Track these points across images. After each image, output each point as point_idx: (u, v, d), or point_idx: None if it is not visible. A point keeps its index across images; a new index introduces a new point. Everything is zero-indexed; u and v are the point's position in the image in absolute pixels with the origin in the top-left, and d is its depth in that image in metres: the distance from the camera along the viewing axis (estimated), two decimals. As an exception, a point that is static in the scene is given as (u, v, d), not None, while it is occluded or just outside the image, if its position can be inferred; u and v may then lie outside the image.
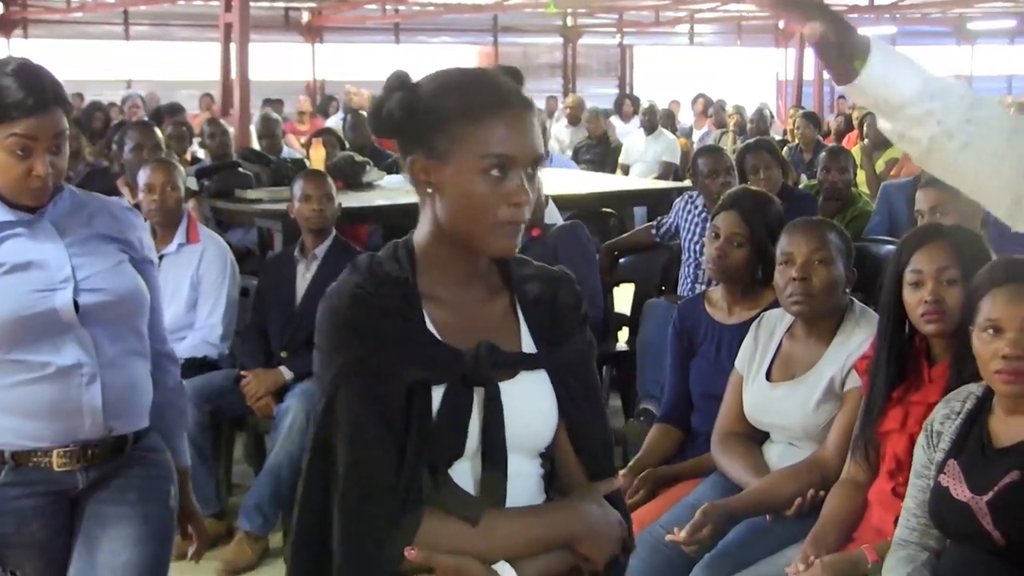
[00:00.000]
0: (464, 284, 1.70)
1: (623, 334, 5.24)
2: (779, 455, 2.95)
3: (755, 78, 19.86)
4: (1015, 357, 2.14)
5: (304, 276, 4.36)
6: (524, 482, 1.69)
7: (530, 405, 1.67)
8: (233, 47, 9.38)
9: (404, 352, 1.62)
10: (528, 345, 1.71)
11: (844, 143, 9.57)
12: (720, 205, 3.52)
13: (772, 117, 12.73)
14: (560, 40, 20.27)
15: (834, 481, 2.74)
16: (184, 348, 4.05)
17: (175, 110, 9.75)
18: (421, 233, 1.67)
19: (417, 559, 1.55)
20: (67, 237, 2.41)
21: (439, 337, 1.64)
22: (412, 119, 1.61)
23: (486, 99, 1.60)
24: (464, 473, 1.61)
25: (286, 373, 4.17)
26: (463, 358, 1.63)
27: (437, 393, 1.61)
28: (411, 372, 1.61)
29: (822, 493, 2.74)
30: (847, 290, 2.98)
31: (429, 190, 1.63)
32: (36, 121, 2.26)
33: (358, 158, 6.80)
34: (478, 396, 1.62)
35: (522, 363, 1.68)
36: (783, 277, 2.89)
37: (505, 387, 1.63)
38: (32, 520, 2.40)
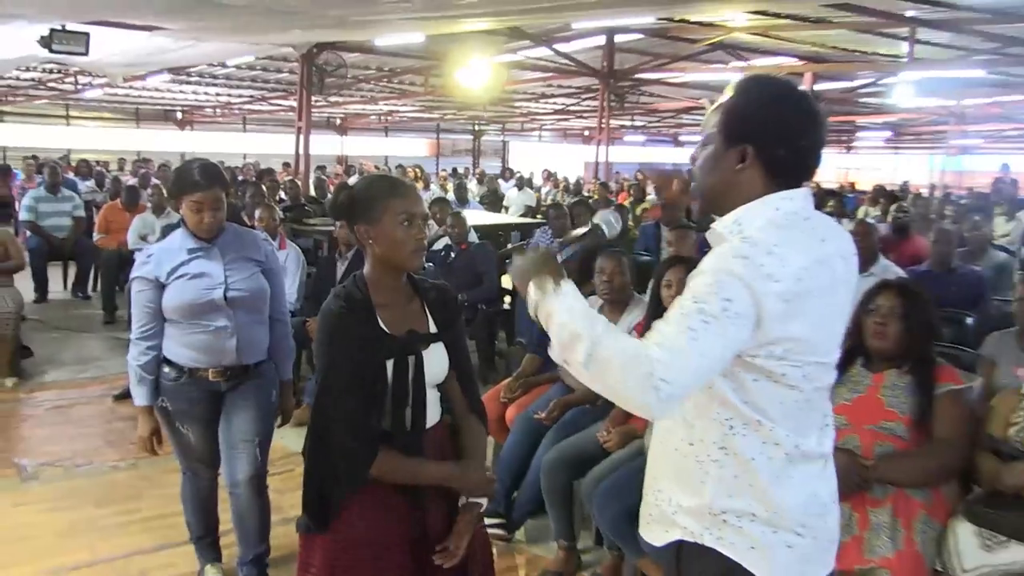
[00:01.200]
0: (395, 294, 2.34)
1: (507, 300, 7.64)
2: None
3: (572, 161, 29.47)
4: None
5: (340, 267, 6.26)
6: (433, 401, 2.40)
7: (436, 362, 2.38)
8: (301, 138, 13.96)
9: (368, 341, 2.24)
10: (432, 328, 2.40)
11: (619, 199, 14.40)
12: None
13: (582, 183, 18.75)
14: (471, 136, 31.65)
15: None
16: None
17: (269, 172, 15.42)
18: (368, 269, 2.34)
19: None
20: (225, 257, 3.40)
21: (387, 330, 2.29)
22: (353, 204, 2.32)
23: (392, 185, 2.33)
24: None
25: None
26: (401, 341, 2.29)
27: (389, 364, 2.26)
28: (372, 352, 2.23)
29: None
30: (632, 287, 4.41)
31: (370, 242, 2.31)
32: (204, 194, 3.32)
33: None
34: (412, 361, 2.30)
35: (431, 339, 2.36)
36: (599, 280, 4.28)
37: (425, 354, 2.33)
38: (197, 403, 3.48)
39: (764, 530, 1.79)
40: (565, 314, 1.72)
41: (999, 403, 3.24)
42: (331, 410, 2.27)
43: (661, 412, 1.63)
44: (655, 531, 1.97)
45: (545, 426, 4.18)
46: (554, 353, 1.74)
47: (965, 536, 2.99)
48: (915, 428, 3.11)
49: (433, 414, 2.41)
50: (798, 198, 1.77)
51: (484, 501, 2.48)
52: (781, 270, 1.64)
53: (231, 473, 3.53)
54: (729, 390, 1.75)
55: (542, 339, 4.58)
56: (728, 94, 1.84)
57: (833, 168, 29.43)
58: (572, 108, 23.69)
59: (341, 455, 2.26)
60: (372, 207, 2.29)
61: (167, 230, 7.53)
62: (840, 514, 2.90)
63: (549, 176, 21.55)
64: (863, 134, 29.68)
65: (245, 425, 3.51)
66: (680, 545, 1.89)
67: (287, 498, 4.87)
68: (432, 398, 2.40)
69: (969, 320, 5.17)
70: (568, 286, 1.78)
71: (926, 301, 3.28)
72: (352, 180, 13.36)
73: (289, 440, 5.71)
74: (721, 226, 1.80)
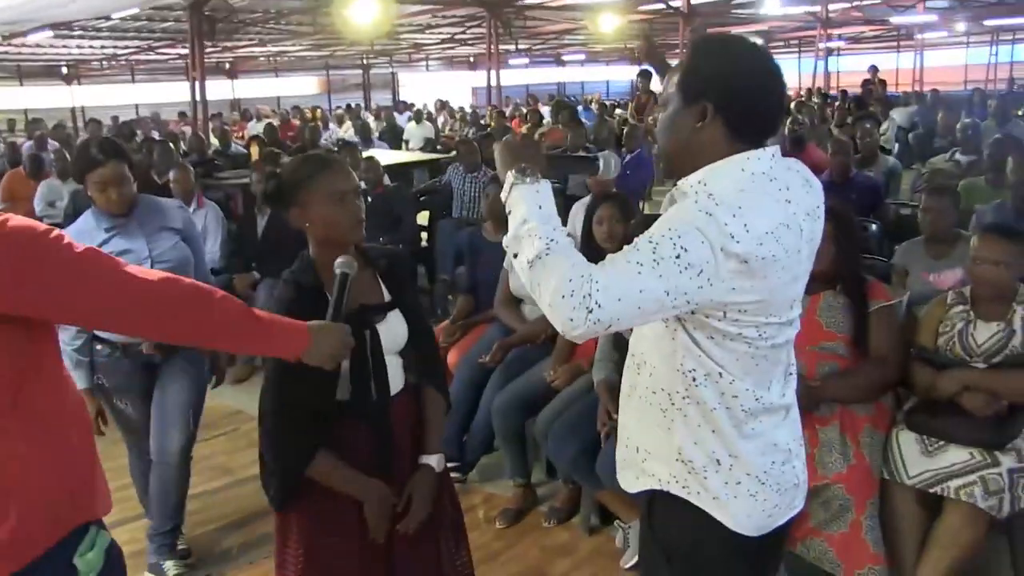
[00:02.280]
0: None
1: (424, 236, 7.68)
2: (529, 312, 4.25)
3: (460, 87, 30.45)
4: None
5: (260, 221, 6.15)
6: (395, 368, 2.32)
7: (394, 330, 2.30)
8: (196, 88, 13.33)
9: (316, 316, 2.01)
10: (387, 296, 2.33)
11: (514, 125, 14.31)
12: (488, 180, 5.31)
13: (479, 113, 18.32)
14: (360, 71, 30.38)
15: None
16: None
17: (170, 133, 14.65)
18: (312, 250, 2.26)
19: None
20: (145, 230, 3.29)
21: None
22: (282, 190, 2.23)
23: (318, 164, 2.23)
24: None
25: (256, 275, 5.99)
26: (354, 317, 2.13)
27: None
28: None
29: (554, 331, 4.04)
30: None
31: (307, 225, 2.22)
32: (104, 170, 3.13)
33: (275, 151, 9.29)
34: (368, 334, 2.22)
35: (385, 308, 2.29)
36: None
37: (381, 324, 2.24)
38: (133, 375, 3.41)
39: (728, 478, 1.77)
40: (532, 208, 1.66)
41: (927, 314, 3.29)
42: (268, 400, 2.24)
43: (582, 333, 1.56)
44: (627, 477, 1.95)
45: (489, 368, 4.12)
46: (506, 241, 1.70)
47: (907, 444, 3.05)
48: (853, 346, 3.14)
49: (397, 381, 2.34)
50: (764, 158, 1.69)
51: (435, 461, 2.39)
52: (743, 232, 1.57)
53: (162, 443, 3.44)
54: (691, 342, 1.72)
55: (472, 279, 4.61)
56: (686, 52, 1.77)
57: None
58: (459, 36, 23.23)
59: (275, 450, 2.26)
60: (301, 190, 2.20)
61: (76, 195, 7.16)
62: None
63: (443, 106, 21.22)
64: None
65: (178, 395, 3.45)
66: (652, 495, 1.88)
67: (236, 459, 4.74)
68: (395, 365, 2.33)
69: (874, 227, 5.25)
70: (544, 185, 1.71)
71: (852, 221, 3.28)
72: (251, 126, 13.02)
73: (228, 398, 5.55)
74: (686, 185, 1.73)
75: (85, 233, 3.16)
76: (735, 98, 1.68)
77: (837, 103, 13.68)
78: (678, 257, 1.55)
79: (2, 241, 1.48)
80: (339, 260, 2.08)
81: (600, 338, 3.56)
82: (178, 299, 1.66)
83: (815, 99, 16.19)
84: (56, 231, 1.56)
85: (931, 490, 2.95)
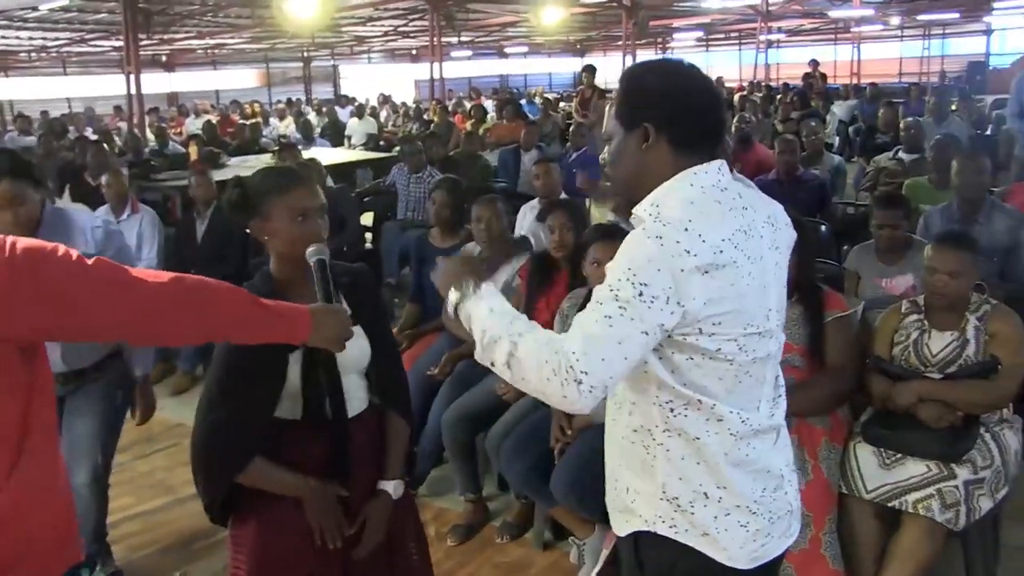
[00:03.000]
0: (303, 286, 2.13)
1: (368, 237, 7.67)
2: None
3: (403, 80, 30.35)
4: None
5: (200, 226, 6.02)
6: (356, 388, 2.24)
7: (352, 348, 2.07)
8: (131, 82, 13.10)
9: None
10: (348, 312, 2.09)
11: (457, 121, 14.18)
12: (435, 184, 5.06)
13: (422, 108, 17.64)
14: (301, 64, 29.95)
15: None
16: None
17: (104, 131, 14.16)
18: (272, 262, 2.21)
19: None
20: None
21: None
22: (246, 200, 2.16)
23: (283, 179, 2.16)
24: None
25: None
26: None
27: (294, 357, 2.10)
28: (272, 349, 1.96)
29: None
30: (510, 232, 4.34)
31: (266, 238, 2.16)
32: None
33: (215, 151, 9.61)
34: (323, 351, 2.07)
35: None
36: (476, 228, 4.15)
37: None
38: None
39: (717, 511, 1.72)
40: (485, 316, 1.68)
41: (882, 323, 3.25)
42: (205, 409, 2.17)
43: (585, 405, 1.57)
44: (618, 521, 1.90)
45: (438, 380, 4.01)
46: (477, 354, 1.70)
47: (864, 457, 3.01)
48: (809, 357, 3.09)
49: (358, 402, 2.27)
50: (712, 171, 1.68)
51: (391, 488, 2.31)
52: (698, 244, 1.56)
53: (73, 475, 3.20)
54: (665, 372, 1.67)
55: (419, 286, 4.46)
56: (618, 85, 1.77)
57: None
58: (402, 29, 23.00)
59: (204, 460, 2.19)
60: (264, 203, 2.14)
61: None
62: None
63: (386, 100, 21.01)
64: (678, 35, 30.08)
65: (84, 436, 3.22)
66: (636, 536, 1.82)
67: (177, 475, 4.56)
68: (356, 384, 2.26)
69: (823, 228, 5.23)
70: (487, 288, 1.75)
71: (811, 230, 3.24)
72: (189, 122, 12.87)
73: (170, 411, 5.35)
74: (640, 210, 1.69)
75: None
76: (674, 113, 1.68)
77: (779, 96, 13.73)
78: (640, 295, 1.54)
79: (14, 264, 1.44)
80: (309, 250, 2.06)
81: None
82: (191, 298, 1.63)
83: (757, 93, 16.27)
84: (63, 248, 1.51)
85: (889, 504, 2.92)
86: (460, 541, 3.74)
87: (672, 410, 1.68)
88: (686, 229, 1.56)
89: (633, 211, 1.72)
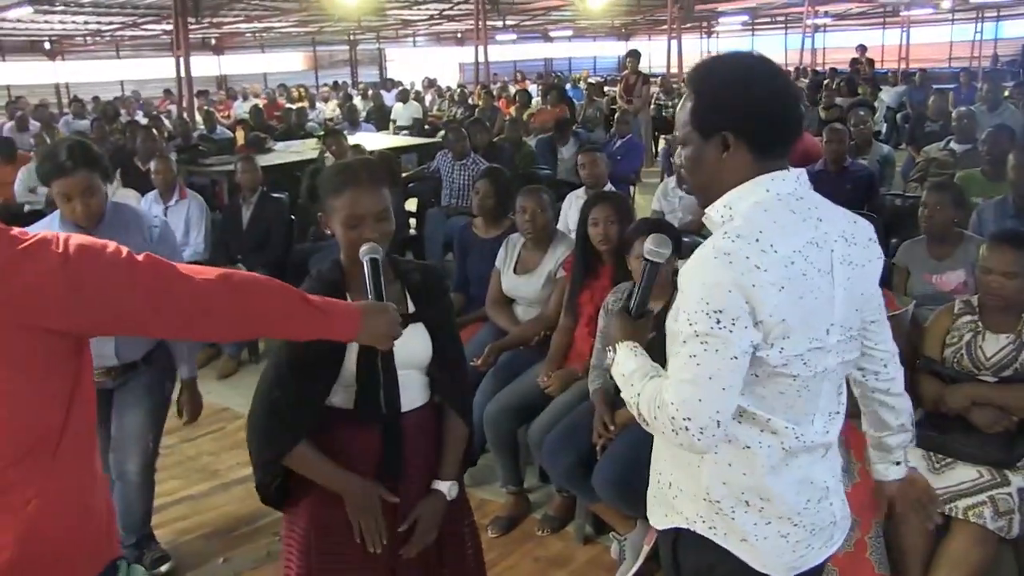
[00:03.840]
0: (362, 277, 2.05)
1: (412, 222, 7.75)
2: (522, 312, 4.16)
3: (448, 63, 30.23)
4: None
5: (245, 213, 6.03)
6: (415, 384, 2.22)
7: (413, 343, 2.15)
8: (181, 66, 13.51)
9: None
10: (411, 308, 2.21)
11: (501, 106, 14.28)
12: (480, 174, 4.99)
13: (467, 92, 17.30)
14: (347, 47, 29.63)
15: (554, 327, 3.85)
16: (185, 256, 5.54)
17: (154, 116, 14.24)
18: (342, 253, 2.19)
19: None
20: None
21: None
22: (314, 194, 2.20)
23: (341, 181, 2.13)
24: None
25: (241, 267, 5.75)
26: None
27: (352, 345, 2.08)
28: None
29: (548, 334, 3.89)
30: (554, 224, 4.24)
31: (329, 232, 2.20)
32: (71, 180, 2.89)
33: (261, 135, 9.70)
34: None
35: (405, 319, 2.06)
36: (521, 219, 4.07)
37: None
38: None
39: (757, 519, 1.70)
40: (621, 378, 1.76)
41: (933, 324, 3.16)
42: (261, 391, 2.18)
43: (707, 445, 1.58)
44: (656, 513, 1.89)
45: (481, 371, 3.96)
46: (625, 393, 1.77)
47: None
48: None
49: (414, 397, 2.24)
50: (789, 179, 1.63)
51: (446, 488, 2.28)
52: (769, 257, 1.53)
53: (122, 466, 3.29)
54: None
55: (462, 275, 4.48)
56: (689, 88, 1.70)
57: (697, 53, 29.52)
58: (447, 12, 22.92)
59: (256, 439, 2.21)
60: (325, 200, 2.17)
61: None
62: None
63: (431, 84, 20.94)
64: (724, 19, 29.64)
65: (135, 426, 3.29)
66: (677, 533, 1.81)
67: (222, 460, 4.59)
68: (413, 381, 2.23)
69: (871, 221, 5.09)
70: (624, 349, 1.81)
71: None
72: (236, 105, 13.01)
73: (216, 395, 5.39)
74: (713, 212, 1.67)
75: None
76: (751, 119, 1.61)
77: (826, 82, 13.46)
78: (719, 323, 1.53)
79: (68, 262, 1.44)
80: (363, 248, 2.06)
81: (597, 343, 3.45)
82: (239, 296, 1.63)
83: (803, 79, 15.98)
84: (114, 245, 1.52)
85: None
86: (501, 533, 3.72)
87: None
88: (757, 240, 1.54)
89: (705, 211, 1.70)
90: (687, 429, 1.54)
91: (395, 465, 2.20)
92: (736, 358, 1.54)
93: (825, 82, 13.50)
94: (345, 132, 9.23)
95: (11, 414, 1.46)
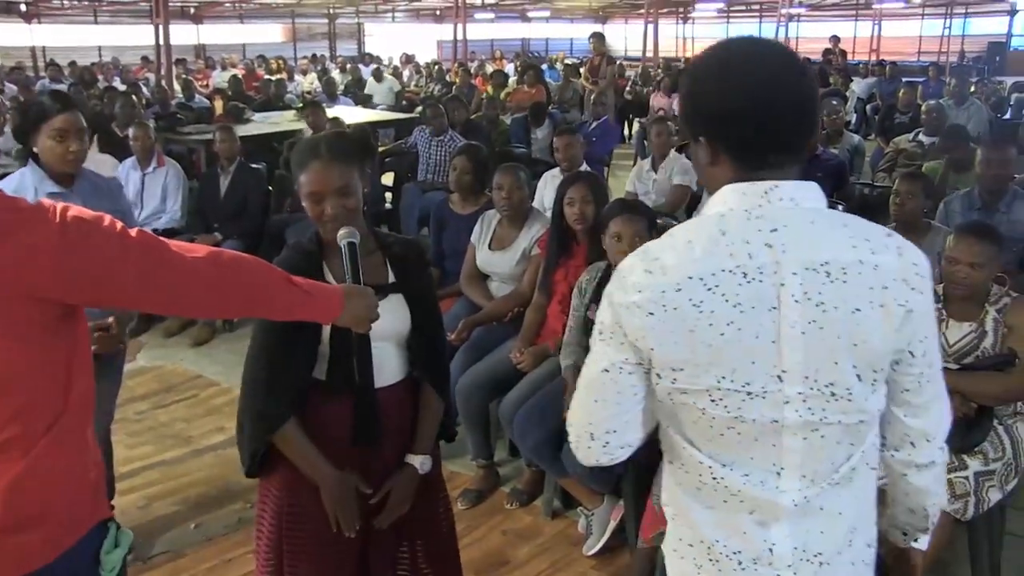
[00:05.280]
0: (339, 253, 2.08)
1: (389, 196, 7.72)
2: (496, 288, 4.17)
3: (426, 40, 29.69)
4: (628, 253, 3.16)
5: (223, 181, 5.96)
6: (391, 358, 2.22)
7: (390, 315, 2.13)
8: (160, 34, 13.30)
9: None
10: (391, 279, 2.21)
11: (478, 83, 14.20)
12: (457, 151, 4.94)
13: (445, 70, 17.33)
14: (326, 20, 29.18)
15: (528, 304, 3.87)
16: (161, 223, 5.67)
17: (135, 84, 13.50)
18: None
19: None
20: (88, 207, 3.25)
21: (333, 281, 2.13)
22: (290, 169, 2.29)
23: (304, 157, 2.13)
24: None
25: (218, 236, 5.75)
26: None
27: None
28: None
29: (522, 310, 3.90)
30: (529, 201, 4.24)
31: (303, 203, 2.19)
32: (66, 117, 2.91)
33: (240, 105, 9.58)
34: None
35: (385, 289, 2.14)
36: (497, 196, 4.05)
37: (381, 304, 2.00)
38: None
39: (683, 538, 1.51)
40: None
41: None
42: (249, 368, 2.18)
43: (583, 458, 1.48)
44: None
45: (454, 345, 3.94)
46: None
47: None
48: None
49: (390, 371, 2.22)
50: (752, 193, 1.34)
51: (419, 463, 2.28)
52: (650, 278, 1.34)
53: None
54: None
55: (438, 250, 4.49)
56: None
57: (674, 38, 29.50)
58: (427, -11, 22.76)
59: (248, 415, 2.20)
60: (295, 173, 2.18)
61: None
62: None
63: (409, 60, 20.77)
64: (700, 6, 29.59)
65: (98, 394, 3.22)
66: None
67: (195, 426, 4.56)
68: (389, 355, 2.22)
69: (840, 208, 5.13)
70: None
71: None
72: (215, 75, 12.94)
73: (190, 362, 5.38)
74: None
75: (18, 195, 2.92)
76: (721, 122, 1.37)
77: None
78: (600, 332, 1.42)
79: (66, 232, 1.43)
80: (340, 233, 2.05)
81: (569, 321, 3.44)
82: (226, 276, 1.63)
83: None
84: (109, 218, 1.51)
85: (897, 491, 2.85)
86: (470, 505, 3.73)
87: (663, 429, 1.49)
88: (656, 258, 1.35)
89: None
90: (576, 446, 1.48)
91: (368, 433, 2.19)
92: (607, 371, 1.40)
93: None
94: (324, 105, 9.15)
95: (8, 378, 1.46)
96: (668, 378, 1.37)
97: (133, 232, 1.52)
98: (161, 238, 1.58)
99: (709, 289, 1.31)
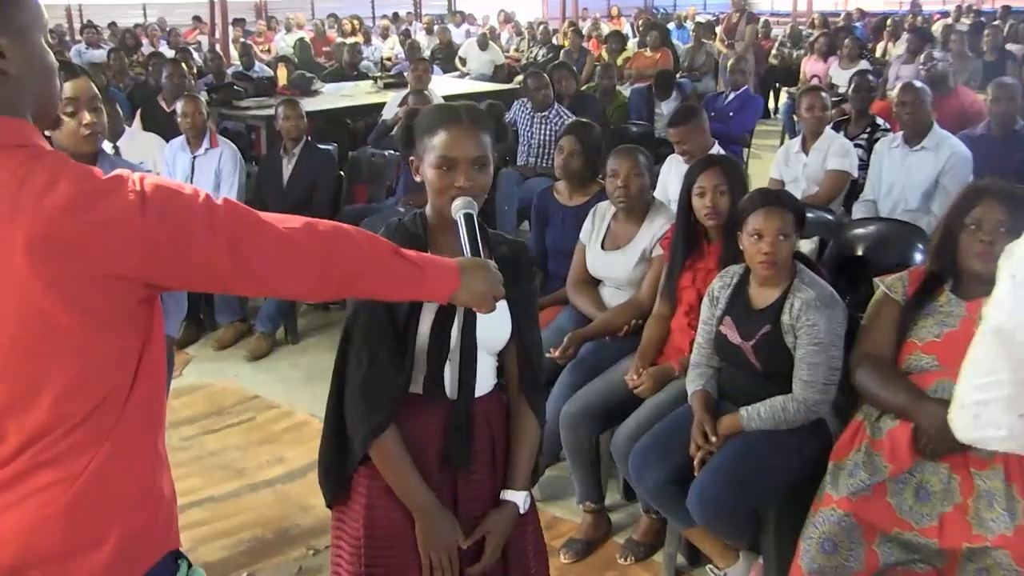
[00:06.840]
0: (455, 239, 2.15)
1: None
2: (610, 296, 4.15)
3: None
4: (770, 254, 3.08)
5: (286, 166, 6.11)
6: (485, 367, 2.31)
7: (494, 323, 2.25)
8: None
9: None
10: None
11: (592, 47, 14.23)
12: (564, 130, 4.98)
13: (550, 31, 17.00)
14: None
15: (648, 315, 3.87)
16: None
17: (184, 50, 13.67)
18: (429, 205, 2.28)
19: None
20: None
21: None
22: (409, 135, 2.29)
23: (439, 118, 2.23)
24: (449, 367, 2.23)
25: None
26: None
27: (428, 312, 2.19)
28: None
29: (640, 322, 3.91)
30: (651, 191, 4.24)
31: (418, 179, 2.29)
32: (76, 84, 3.05)
33: (307, 74, 9.65)
34: (459, 314, 2.21)
35: None
36: (611, 185, 4.06)
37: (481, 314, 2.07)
38: None
39: None
40: None
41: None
42: (348, 363, 2.25)
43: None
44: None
45: (559, 364, 3.98)
46: None
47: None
48: None
49: (484, 383, 2.32)
50: None
51: (520, 499, 2.33)
52: None
53: None
54: None
55: (539, 249, 4.58)
56: None
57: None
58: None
59: (353, 417, 2.25)
60: (420, 139, 2.24)
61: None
62: (939, 477, 2.79)
63: (507, 19, 20.84)
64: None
65: None
66: None
67: (251, 456, 4.66)
68: (484, 364, 2.31)
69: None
70: None
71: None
72: (278, 38, 13.20)
73: (246, 379, 5.51)
74: None
75: None
76: None
77: (995, 24, 12.95)
78: None
79: (147, 204, 1.47)
80: (455, 204, 2.13)
81: (698, 336, 3.44)
82: (325, 247, 1.65)
83: (965, 21, 15.53)
84: (191, 187, 1.56)
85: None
86: (576, 558, 3.74)
87: None
88: None
89: None
90: None
91: (461, 456, 2.24)
92: None
93: (996, 23, 13.09)
94: (405, 73, 9.29)
95: (81, 371, 1.50)
96: None
97: (220, 200, 1.55)
98: (250, 208, 1.61)
99: None
